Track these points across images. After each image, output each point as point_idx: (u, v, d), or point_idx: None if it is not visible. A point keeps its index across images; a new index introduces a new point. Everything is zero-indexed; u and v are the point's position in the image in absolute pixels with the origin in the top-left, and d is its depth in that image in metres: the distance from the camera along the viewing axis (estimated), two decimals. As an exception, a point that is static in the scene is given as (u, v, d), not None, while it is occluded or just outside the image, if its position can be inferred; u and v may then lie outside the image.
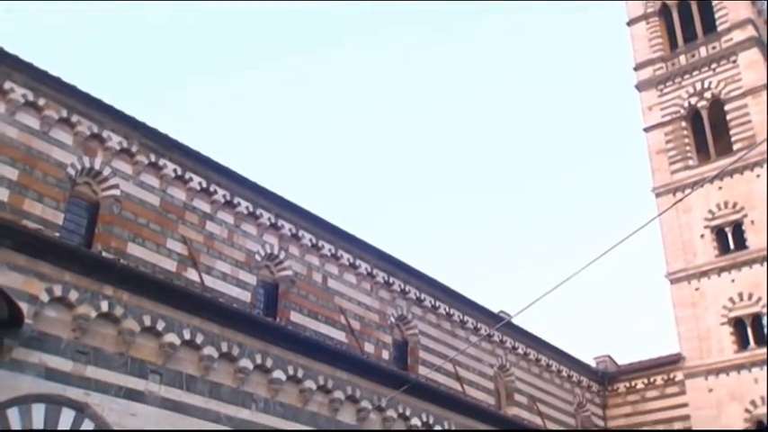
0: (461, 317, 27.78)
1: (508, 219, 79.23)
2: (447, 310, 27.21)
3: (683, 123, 36.01)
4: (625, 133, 78.60)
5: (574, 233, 77.05)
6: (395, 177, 78.70)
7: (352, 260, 23.92)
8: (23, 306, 11.53)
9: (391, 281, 25.20)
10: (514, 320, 29.46)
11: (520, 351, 30.26)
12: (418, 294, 26.14)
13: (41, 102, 17.19)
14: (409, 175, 79.28)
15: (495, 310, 28.96)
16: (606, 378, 34.97)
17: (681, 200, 32.54)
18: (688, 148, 35.63)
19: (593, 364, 35.65)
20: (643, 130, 37.03)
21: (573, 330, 71.91)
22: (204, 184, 20.28)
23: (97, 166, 18.25)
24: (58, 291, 12.35)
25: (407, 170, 79.45)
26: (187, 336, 13.92)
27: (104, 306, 12.88)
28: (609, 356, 36.41)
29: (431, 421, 18.12)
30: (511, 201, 79.57)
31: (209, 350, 14.18)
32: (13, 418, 11.45)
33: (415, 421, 17.74)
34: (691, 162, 35.27)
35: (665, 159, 35.78)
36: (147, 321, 13.41)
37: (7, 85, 16.59)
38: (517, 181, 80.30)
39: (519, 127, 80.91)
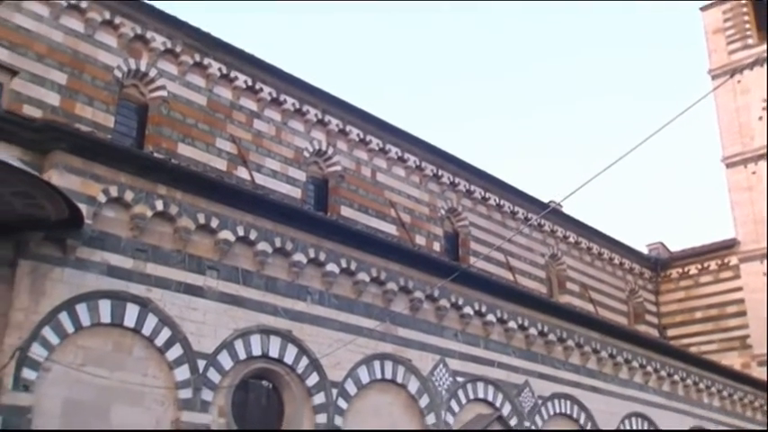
0: (512, 207, 27.76)
1: (560, 103, 77.71)
2: (497, 201, 27.19)
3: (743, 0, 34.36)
4: (683, 18, 75.37)
5: (629, 122, 75.39)
6: (439, 62, 77.14)
7: (400, 154, 23.89)
8: (82, 207, 11.81)
9: (440, 173, 25.16)
10: (565, 209, 29.44)
11: (571, 240, 30.26)
12: (468, 186, 26.10)
13: (84, 4, 17.18)
14: (455, 57, 77.65)
15: (545, 200, 28.87)
16: (659, 264, 34.93)
17: (731, 77, 31.40)
18: (747, 26, 34.09)
19: (645, 251, 35.56)
20: (699, 9, 35.47)
21: (626, 218, 71.50)
22: (250, 83, 20.26)
23: (143, 68, 18.33)
24: (114, 191, 12.61)
25: (452, 53, 77.86)
26: (241, 232, 14.17)
27: (159, 205, 13.14)
28: (662, 243, 36.24)
29: (483, 310, 18.38)
30: (560, 81, 77.73)
31: (263, 246, 14.44)
32: (82, 312, 11.95)
33: (468, 310, 18.01)
34: (750, 41, 33.82)
35: (722, 39, 34.37)
36: (202, 219, 13.66)
37: (48, -13, 16.58)
38: (567, 60, 78.27)
39: (567, 6, 78.10)
